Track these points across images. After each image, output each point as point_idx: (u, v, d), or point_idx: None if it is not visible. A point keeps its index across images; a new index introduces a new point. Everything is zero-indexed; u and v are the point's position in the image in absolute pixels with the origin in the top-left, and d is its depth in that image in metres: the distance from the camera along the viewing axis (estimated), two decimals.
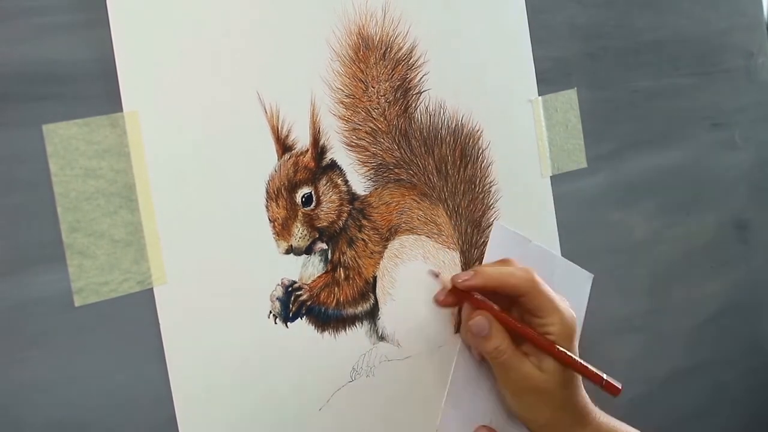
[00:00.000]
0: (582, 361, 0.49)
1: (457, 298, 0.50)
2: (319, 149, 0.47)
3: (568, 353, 0.48)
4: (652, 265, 0.64)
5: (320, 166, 0.47)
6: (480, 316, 0.49)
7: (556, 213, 0.58)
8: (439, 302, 0.51)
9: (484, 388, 0.53)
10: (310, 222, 0.47)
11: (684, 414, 0.65)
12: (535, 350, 0.49)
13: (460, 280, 0.49)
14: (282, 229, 0.46)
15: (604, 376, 0.49)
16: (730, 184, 0.68)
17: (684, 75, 0.65)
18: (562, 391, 0.48)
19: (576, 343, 0.49)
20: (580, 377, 0.49)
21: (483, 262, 0.53)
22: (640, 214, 0.63)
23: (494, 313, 0.49)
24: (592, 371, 0.49)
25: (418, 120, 0.51)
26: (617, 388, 0.49)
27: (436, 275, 0.50)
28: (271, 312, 0.46)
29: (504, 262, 0.51)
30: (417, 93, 0.51)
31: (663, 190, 0.64)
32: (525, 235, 0.55)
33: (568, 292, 0.51)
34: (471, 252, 0.54)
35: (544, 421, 0.49)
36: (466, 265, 0.54)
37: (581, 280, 0.58)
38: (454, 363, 0.52)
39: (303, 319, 0.47)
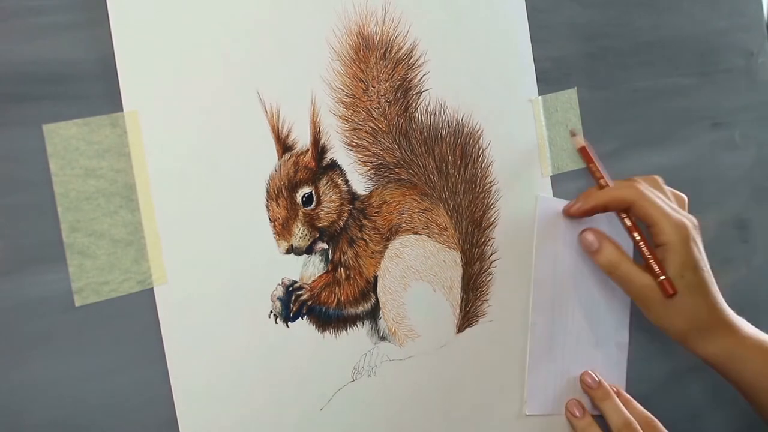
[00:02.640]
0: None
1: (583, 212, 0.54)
2: (319, 149, 0.47)
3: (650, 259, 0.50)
4: None
5: (320, 165, 0.47)
6: (588, 231, 0.53)
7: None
8: (568, 212, 0.54)
9: (560, 349, 0.56)
10: (310, 222, 0.47)
11: (684, 414, 0.65)
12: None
13: (572, 210, 0.53)
14: (282, 229, 0.46)
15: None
16: (730, 183, 0.68)
17: (684, 75, 0.65)
18: (690, 299, 0.49)
19: (693, 246, 0.50)
20: (710, 284, 0.50)
21: (535, 238, 0.55)
22: None
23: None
24: (658, 268, 0.50)
25: (418, 120, 0.51)
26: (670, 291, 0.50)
27: (574, 134, 0.56)
28: (271, 312, 0.46)
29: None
30: (417, 93, 0.51)
31: None
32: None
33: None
34: (472, 251, 0.54)
35: (679, 331, 0.50)
36: (467, 264, 0.53)
37: None
38: (529, 329, 0.55)
39: (304, 318, 0.47)
